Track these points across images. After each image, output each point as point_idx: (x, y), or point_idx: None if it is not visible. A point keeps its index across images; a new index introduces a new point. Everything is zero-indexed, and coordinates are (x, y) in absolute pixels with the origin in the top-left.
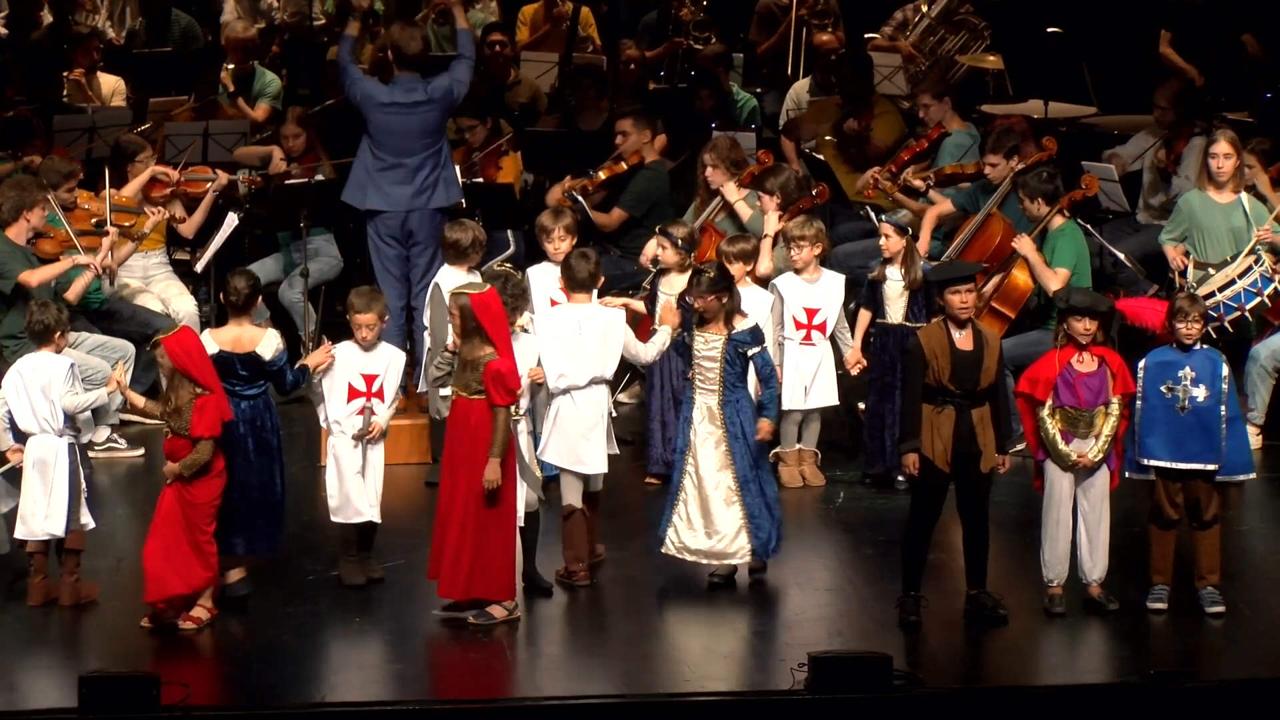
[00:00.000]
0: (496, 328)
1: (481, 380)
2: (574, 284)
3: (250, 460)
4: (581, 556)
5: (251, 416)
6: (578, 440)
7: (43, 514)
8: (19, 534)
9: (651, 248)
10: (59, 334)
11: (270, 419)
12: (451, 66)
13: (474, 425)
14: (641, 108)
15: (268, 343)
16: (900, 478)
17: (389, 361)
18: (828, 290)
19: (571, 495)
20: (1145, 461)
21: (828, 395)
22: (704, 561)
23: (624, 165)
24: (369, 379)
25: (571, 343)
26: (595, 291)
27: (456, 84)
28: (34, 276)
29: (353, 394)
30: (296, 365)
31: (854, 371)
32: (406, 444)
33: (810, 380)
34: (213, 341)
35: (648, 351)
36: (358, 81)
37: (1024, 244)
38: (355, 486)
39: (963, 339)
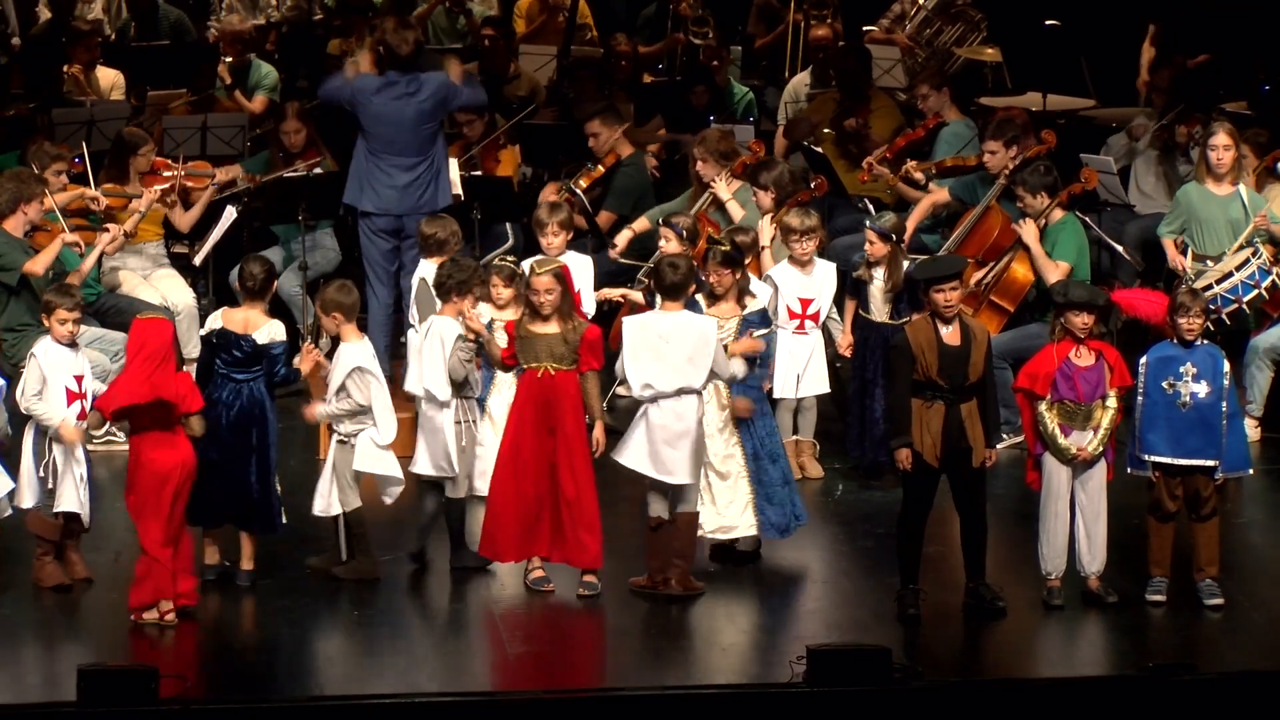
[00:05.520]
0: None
1: (579, 350)
2: (663, 291)
3: (219, 440)
4: (666, 566)
5: (232, 400)
6: (660, 447)
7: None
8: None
9: (622, 238)
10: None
11: (255, 409)
12: (461, 87)
13: (575, 395)
14: (606, 104)
15: (267, 329)
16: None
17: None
18: (821, 280)
19: (657, 506)
20: (1146, 457)
21: (819, 384)
22: (715, 537)
23: (602, 168)
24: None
25: (658, 350)
26: (684, 300)
27: (454, 90)
28: (37, 264)
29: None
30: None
31: (845, 354)
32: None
33: (803, 369)
34: (219, 318)
35: (734, 367)
36: (345, 86)
37: (1028, 230)
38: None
39: (950, 334)
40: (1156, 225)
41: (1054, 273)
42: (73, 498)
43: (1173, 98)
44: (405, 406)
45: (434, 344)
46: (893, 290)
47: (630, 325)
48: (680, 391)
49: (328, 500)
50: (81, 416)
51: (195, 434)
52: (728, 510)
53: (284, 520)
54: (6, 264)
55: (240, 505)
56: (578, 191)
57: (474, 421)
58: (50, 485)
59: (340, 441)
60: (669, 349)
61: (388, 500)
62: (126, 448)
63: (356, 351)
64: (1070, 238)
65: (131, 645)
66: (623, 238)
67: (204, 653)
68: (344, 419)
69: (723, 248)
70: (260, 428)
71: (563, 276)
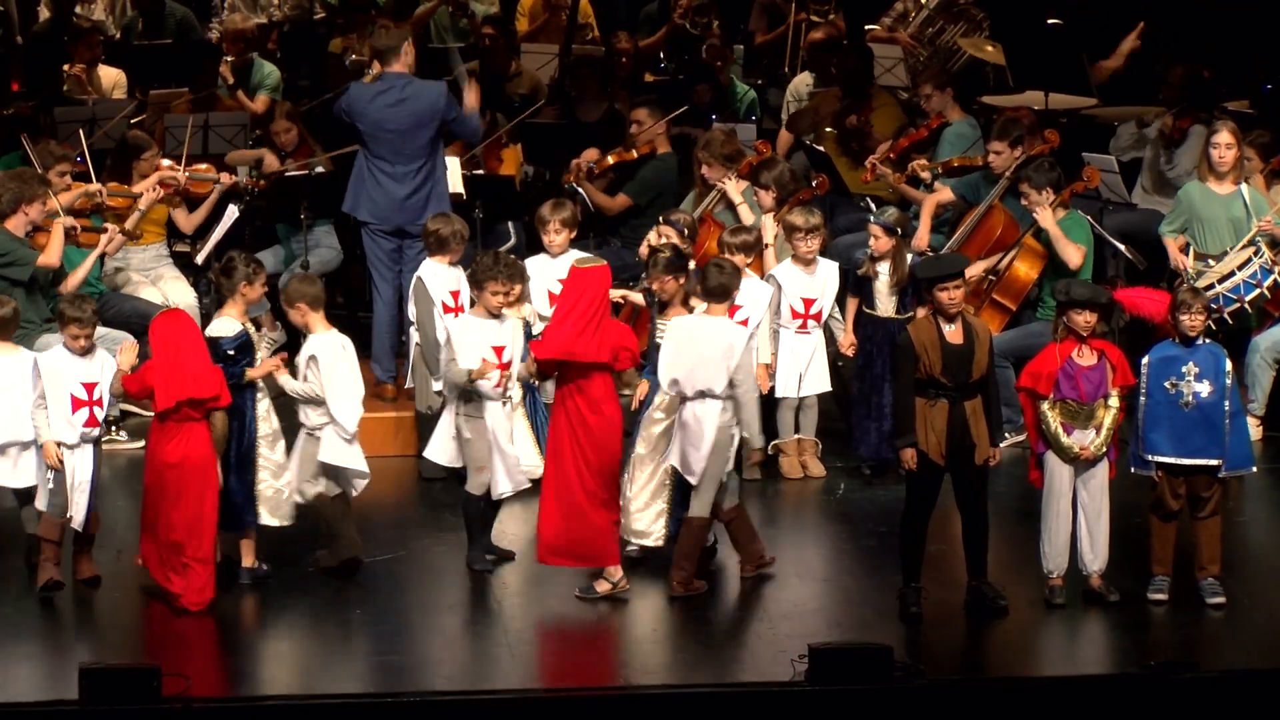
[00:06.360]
0: (567, 304)
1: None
2: (708, 293)
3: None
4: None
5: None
6: (686, 446)
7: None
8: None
9: (652, 239)
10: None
11: (236, 404)
12: (461, 116)
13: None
14: (657, 98)
15: (218, 323)
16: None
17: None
18: (824, 280)
19: (697, 506)
20: (1150, 457)
21: (821, 382)
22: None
23: (634, 153)
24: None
25: (688, 351)
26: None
27: (451, 105)
28: (51, 255)
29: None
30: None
31: (848, 353)
32: (396, 436)
33: (805, 367)
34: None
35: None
36: (342, 100)
37: (1045, 217)
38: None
39: (953, 332)
40: (1135, 219)
41: (1075, 254)
42: (66, 500)
43: (1184, 97)
44: (407, 406)
45: None
46: (898, 285)
47: (673, 324)
48: (701, 394)
49: (304, 494)
50: (90, 423)
51: (215, 429)
52: (641, 516)
53: (258, 519)
54: (18, 259)
55: (227, 503)
56: (580, 191)
57: (475, 418)
58: (51, 485)
59: (308, 434)
60: (697, 351)
61: (353, 492)
62: (127, 447)
63: (318, 341)
64: (1080, 231)
65: (133, 644)
66: (652, 238)
67: (206, 651)
68: (306, 407)
69: (663, 254)
70: (239, 422)
71: (579, 277)
